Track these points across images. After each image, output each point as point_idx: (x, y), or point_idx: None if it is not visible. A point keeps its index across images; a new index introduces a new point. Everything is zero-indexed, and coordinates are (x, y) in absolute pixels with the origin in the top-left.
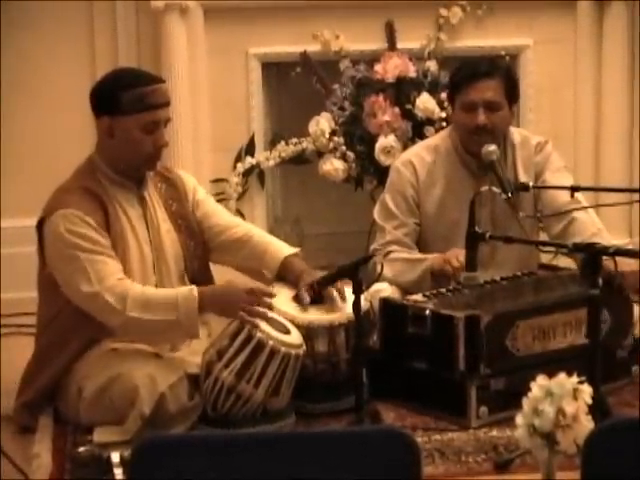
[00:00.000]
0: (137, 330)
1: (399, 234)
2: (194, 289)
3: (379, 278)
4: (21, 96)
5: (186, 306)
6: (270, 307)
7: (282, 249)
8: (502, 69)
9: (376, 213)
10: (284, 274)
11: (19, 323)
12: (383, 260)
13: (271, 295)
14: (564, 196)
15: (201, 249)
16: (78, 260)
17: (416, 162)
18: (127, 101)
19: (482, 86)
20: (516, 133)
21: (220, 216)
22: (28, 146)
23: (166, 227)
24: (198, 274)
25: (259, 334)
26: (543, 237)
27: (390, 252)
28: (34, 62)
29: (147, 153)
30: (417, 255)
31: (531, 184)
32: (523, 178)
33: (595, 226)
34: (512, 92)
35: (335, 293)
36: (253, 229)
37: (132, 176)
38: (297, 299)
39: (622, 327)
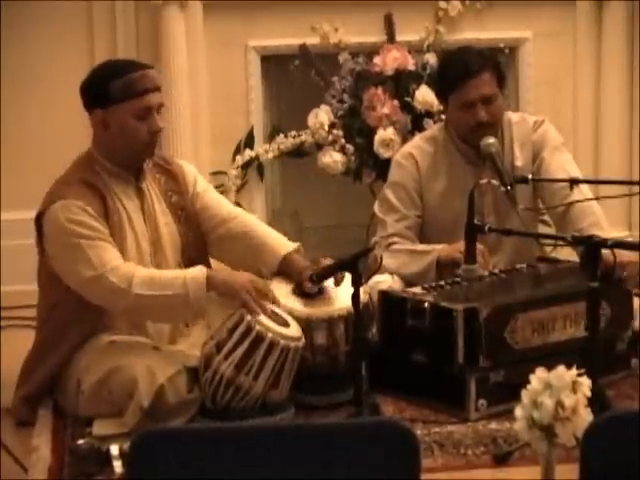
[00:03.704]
0: (144, 310)
1: (400, 227)
2: (203, 267)
3: (378, 270)
4: (21, 90)
5: (194, 282)
6: (273, 301)
7: (281, 246)
8: (490, 59)
9: (377, 207)
10: (284, 271)
11: (20, 316)
12: (385, 251)
13: (273, 299)
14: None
15: (201, 241)
16: (79, 247)
17: (417, 154)
18: (116, 90)
19: (476, 83)
20: (514, 115)
21: (219, 208)
22: (28, 139)
23: (164, 220)
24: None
25: (258, 327)
26: (541, 229)
27: (392, 244)
28: (34, 56)
29: (143, 140)
30: (422, 247)
31: (530, 176)
32: (519, 157)
33: (595, 215)
34: (500, 77)
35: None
36: (252, 222)
37: (130, 166)
38: (297, 292)
39: (621, 319)
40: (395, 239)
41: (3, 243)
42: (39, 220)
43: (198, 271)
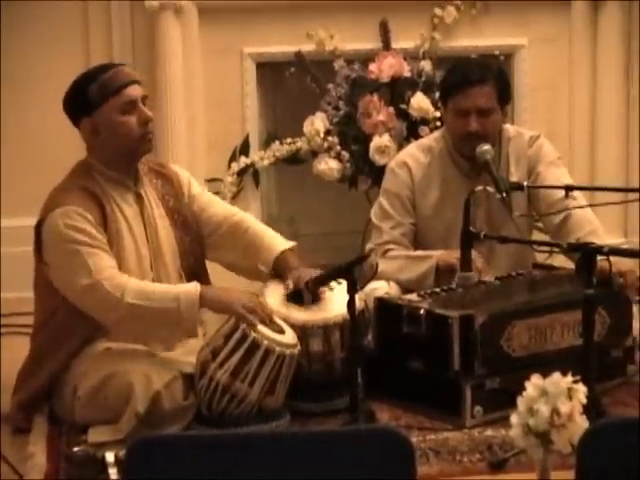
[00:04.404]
0: (135, 322)
1: (396, 234)
2: (196, 283)
3: (374, 277)
4: (21, 96)
5: (187, 298)
6: (270, 319)
7: (277, 243)
8: (494, 72)
9: (372, 214)
10: (278, 269)
11: (19, 323)
12: (381, 258)
13: (270, 314)
14: (560, 190)
15: (197, 245)
16: (77, 254)
17: (411, 163)
18: (94, 93)
19: (474, 92)
20: (510, 129)
21: (215, 208)
22: (28, 145)
23: (163, 224)
24: (194, 271)
25: (254, 334)
26: (537, 236)
27: (388, 250)
28: (33, 62)
29: (136, 133)
30: (420, 253)
31: (525, 184)
32: (514, 172)
33: (592, 224)
34: (504, 94)
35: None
36: (249, 220)
37: (129, 167)
38: (293, 298)
39: (621, 328)
40: (391, 246)
41: (3, 250)
42: (39, 228)
43: (192, 287)
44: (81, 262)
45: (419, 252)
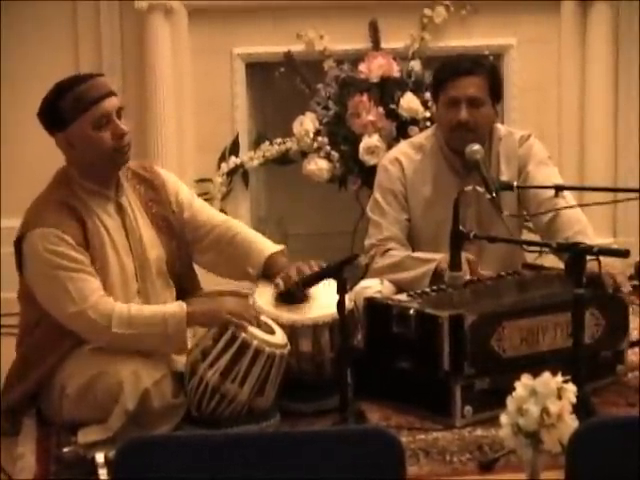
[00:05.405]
0: (125, 346)
1: (396, 230)
2: (182, 303)
3: (364, 277)
4: (21, 96)
5: (174, 320)
6: (257, 321)
7: (267, 246)
8: (486, 66)
9: (369, 210)
10: (268, 271)
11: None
12: (381, 256)
13: (258, 316)
14: (549, 189)
15: (184, 249)
16: (59, 280)
17: (403, 159)
18: (67, 108)
19: (465, 82)
20: (501, 128)
21: (206, 216)
22: (28, 146)
23: (147, 232)
24: (182, 275)
25: (243, 334)
26: (527, 235)
27: (390, 249)
28: (33, 62)
29: (110, 147)
30: (420, 254)
31: (515, 184)
32: (505, 172)
33: (580, 223)
34: (495, 90)
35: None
36: (238, 226)
37: (108, 179)
38: (282, 298)
39: (617, 330)
40: (392, 244)
41: (3, 250)
42: (19, 244)
43: (178, 308)
44: (63, 289)
45: (421, 253)
